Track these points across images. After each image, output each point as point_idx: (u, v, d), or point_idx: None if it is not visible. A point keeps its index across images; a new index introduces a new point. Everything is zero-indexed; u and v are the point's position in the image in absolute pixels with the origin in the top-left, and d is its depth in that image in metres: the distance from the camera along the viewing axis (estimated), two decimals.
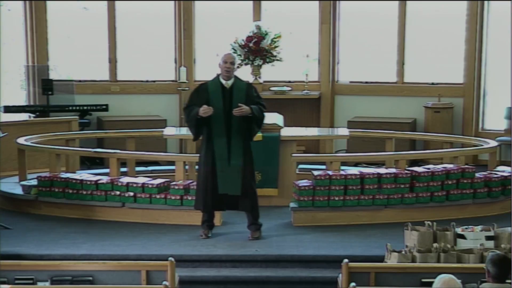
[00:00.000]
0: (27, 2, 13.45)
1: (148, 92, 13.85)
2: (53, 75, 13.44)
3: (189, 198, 9.98)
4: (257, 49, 13.24)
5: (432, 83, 13.65)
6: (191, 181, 10.24)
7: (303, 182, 10.14)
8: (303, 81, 13.61)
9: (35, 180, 10.61)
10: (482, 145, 11.31)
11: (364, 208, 10.10)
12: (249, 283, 8.54)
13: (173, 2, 13.73)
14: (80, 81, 13.64)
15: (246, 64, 13.38)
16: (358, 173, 10.26)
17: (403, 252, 7.74)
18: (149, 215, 10.10)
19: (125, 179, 10.32)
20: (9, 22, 13.43)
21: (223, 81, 9.22)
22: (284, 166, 10.74)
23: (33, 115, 12.87)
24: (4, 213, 10.36)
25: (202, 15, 13.81)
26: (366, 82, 13.82)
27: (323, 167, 10.94)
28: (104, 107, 13.27)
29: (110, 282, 6.98)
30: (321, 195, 10.01)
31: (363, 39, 13.74)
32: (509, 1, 12.43)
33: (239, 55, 13.17)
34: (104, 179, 10.32)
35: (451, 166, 10.53)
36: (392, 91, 13.69)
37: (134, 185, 10.15)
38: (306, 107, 13.47)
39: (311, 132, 12.03)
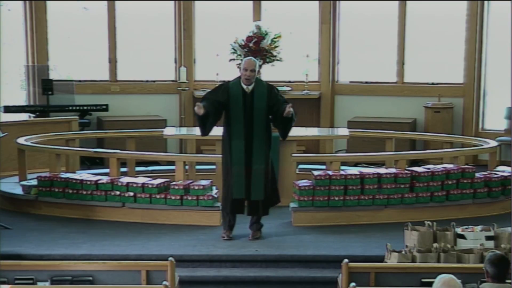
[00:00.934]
0: (27, 2, 13.45)
1: (148, 92, 13.85)
2: (53, 75, 13.44)
3: (189, 198, 9.99)
4: (257, 49, 13.22)
5: (432, 83, 13.65)
6: (191, 181, 10.24)
7: (303, 182, 10.14)
8: (303, 81, 13.61)
9: (35, 180, 10.61)
10: (482, 145, 11.31)
11: (364, 208, 10.11)
12: (249, 283, 8.54)
13: (173, 2, 13.73)
14: (80, 81, 13.64)
15: None
16: (358, 173, 10.26)
17: (403, 252, 7.75)
18: (149, 215, 10.09)
19: (125, 179, 10.32)
20: (9, 22, 13.42)
21: (244, 86, 9.24)
22: (284, 166, 10.73)
23: (33, 115, 12.87)
24: (4, 213, 10.36)
25: (202, 15, 13.81)
26: (366, 82, 13.82)
27: (323, 167, 10.95)
28: (104, 107, 13.26)
29: (110, 282, 6.98)
30: (321, 195, 10.01)
31: (363, 39, 13.74)
32: (509, 1, 12.43)
33: (239, 55, 13.16)
34: (104, 179, 10.32)
35: (451, 166, 10.54)
36: (392, 91, 13.69)
37: (134, 185, 10.15)
38: (306, 107, 13.46)
39: (311, 132, 12.03)
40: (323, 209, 10.02)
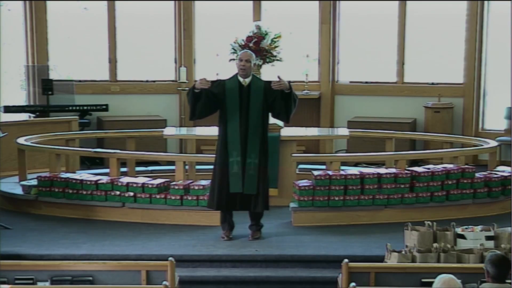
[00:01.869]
0: (27, 2, 13.45)
1: (148, 92, 13.85)
2: (53, 75, 13.44)
3: (189, 198, 9.99)
4: (257, 49, 13.19)
5: (432, 83, 13.65)
6: (191, 181, 10.24)
7: (303, 182, 10.14)
8: (303, 81, 13.60)
9: (35, 180, 10.61)
10: (482, 145, 11.31)
11: (364, 208, 10.10)
12: (249, 283, 8.54)
13: (173, 2, 13.73)
14: (80, 81, 13.65)
15: None
16: (358, 173, 10.26)
17: (403, 252, 7.74)
18: (149, 215, 10.09)
19: (125, 179, 10.32)
20: (9, 22, 13.43)
21: (241, 79, 9.21)
22: (284, 166, 10.73)
23: (33, 115, 12.87)
24: (4, 213, 10.36)
25: (202, 15, 13.81)
26: (366, 82, 13.82)
27: (323, 167, 10.95)
28: (104, 107, 13.27)
29: (110, 282, 6.98)
30: (321, 195, 10.01)
31: (363, 39, 13.74)
32: (509, 1, 12.43)
33: (239, 55, 13.14)
34: (104, 179, 10.32)
35: (451, 166, 10.54)
36: (392, 91, 13.69)
37: (134, 185, 10.15)
38: (306, 107, 13.45)
39: (311, 132, 12.03)
40: (323, 209, 10.02)
